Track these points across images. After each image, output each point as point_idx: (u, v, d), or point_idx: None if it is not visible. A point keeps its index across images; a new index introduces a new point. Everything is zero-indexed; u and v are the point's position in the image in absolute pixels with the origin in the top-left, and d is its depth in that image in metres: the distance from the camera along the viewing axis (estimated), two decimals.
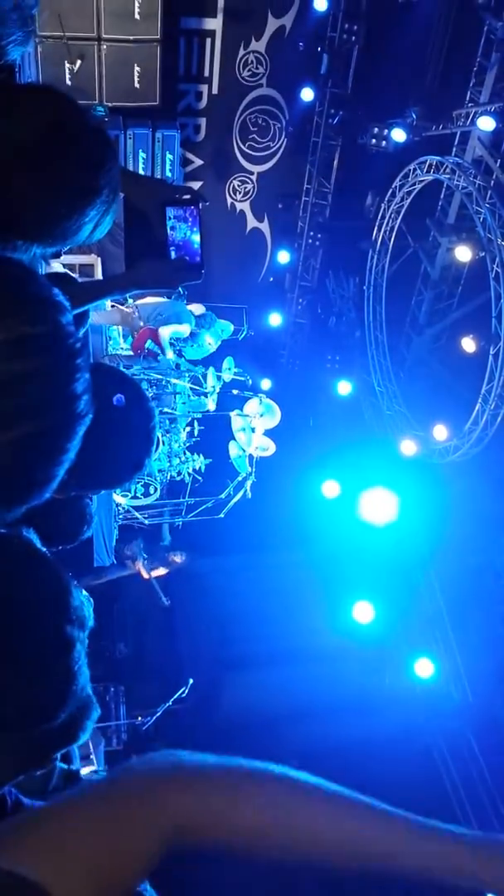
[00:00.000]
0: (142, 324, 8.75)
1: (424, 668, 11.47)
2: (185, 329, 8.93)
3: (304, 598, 12.41)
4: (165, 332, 8.65)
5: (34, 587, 1.29)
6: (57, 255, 1.72)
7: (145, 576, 10.34)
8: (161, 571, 10.55)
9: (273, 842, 0.92)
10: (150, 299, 8.87)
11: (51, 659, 1.26)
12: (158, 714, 10.21)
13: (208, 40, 11.79)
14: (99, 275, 7.72)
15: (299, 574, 12.89)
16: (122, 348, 9.43)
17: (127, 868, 0.90)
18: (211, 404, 9.21)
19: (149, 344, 8.64)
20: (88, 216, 1.57)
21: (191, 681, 10.16)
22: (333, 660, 11.96)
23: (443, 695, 11.86)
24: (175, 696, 10.05)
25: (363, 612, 11.40)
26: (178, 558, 10.50)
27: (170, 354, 8.73)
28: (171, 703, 10.08)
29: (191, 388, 8.95)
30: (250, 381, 9.76)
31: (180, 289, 8.86)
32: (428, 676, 11.49)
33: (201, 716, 11.68)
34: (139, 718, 10.56)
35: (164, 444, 8.84)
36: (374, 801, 0.94)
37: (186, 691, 10.12)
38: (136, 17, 10.45)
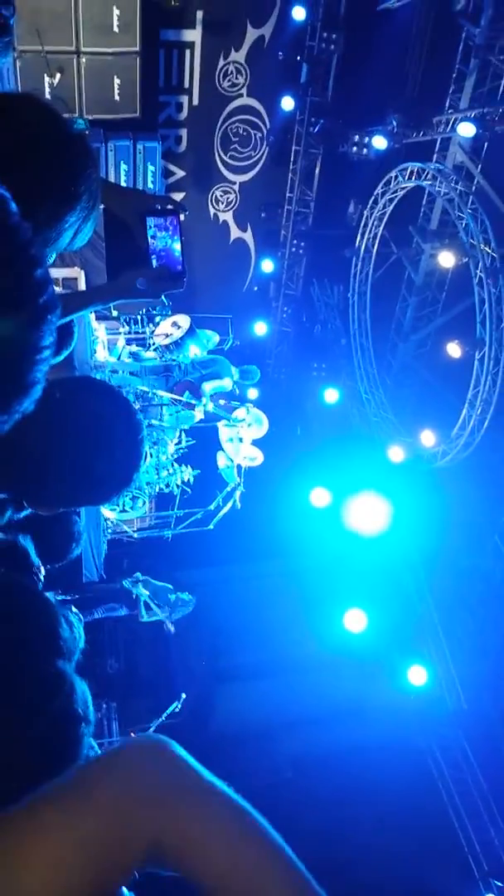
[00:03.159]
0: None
1: (418, 675, 11.44)
2: (227, 383, 9.15)
3: (295, 608, 12.37)
4: (207, 387, 8.94)
5: (22, 624, 1.25)
6: None
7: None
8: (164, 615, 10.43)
9: (228, 890, 0.88)
10: (193, 350, 9.08)
11: (44, 702, 1.20)
12: (152, 730, 10.10)
13: (188, 52, 11.81)
14: (83, 287, 7.69)
15: (290, 584, 12.86)
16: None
17: (112, 873, 0.88)
18: (199, 414, 9.17)
19: (186, 396, 8.77)
20: (68, 222, 1.55)
21: (183, 695, 10.07)
22: (326, 669, 11.92)
23: (436, 701, 11.83)
24: (168, 711, 9.96)
25: (356, 621, 11.36)
26: (184, 596, 10.32)
27: (210, 406, 8.90)
28: (164, 718, 9.98)
29: (177, 402, 8.90)
30: (237, 391, 9.73)
31: (163, 298, 8.85)
32: (421, 684, 11.46)
33: (195, 729, 11.59)
34: (132, 735, 10.46)
35: (151, 456, 8.79)
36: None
37: (179, 706, 10.03)
38: (115, 29, 10.45)
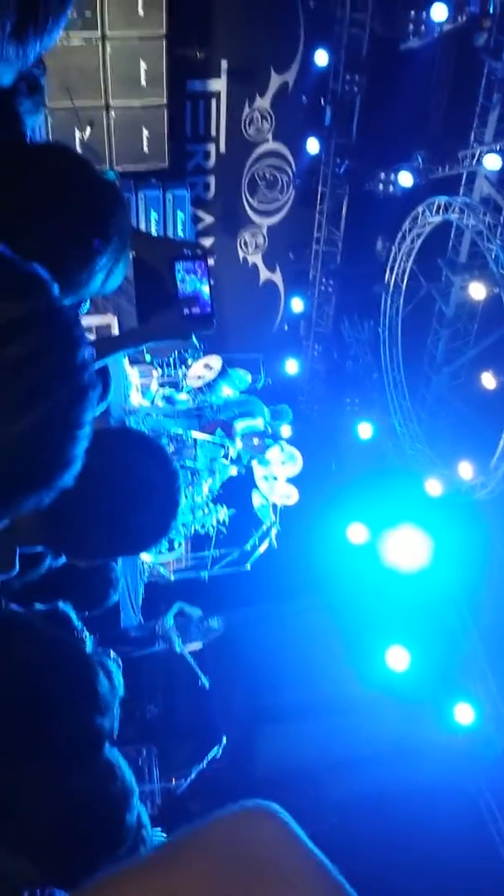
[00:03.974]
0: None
1: (464, 714, 11.16)
2: (259, 423, 9.19)
3: (336, 647, 12.18)
4: (240, 426, 8.95)
5: (62, 682, 1.24)
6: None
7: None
8: (196, 646, 10.26)
9: None
10: (226, 390, 9.13)
11: (83, 760, 1.19)
12: (193, 776, 9.96)
13: (213, 101, 12.10)
14: (116, 333, 7.79)
15: (330, 622, 12.69)
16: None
17: None
18: (231, 453, 9.17)
19: (218, 433, 8.81)
20: (99, 264, 1.60)
21: (224, 739, 9.93)
22: (369, 708, 11.69)
23: (485, 741, 11.51)
24: (209, 756, 9.81)
25: (398, 659, 11.15)
26: (214, 624, 10.18)
27: (238, 445, 8.92)
28: (204, 764, 9.83)
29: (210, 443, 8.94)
30: (270, 430, 9.73)
31: (194, 339, 8.94)
32: (469, 723, 11.16)
33: (238, 774, 11.42)
34: (173, 781, 10.30)
35: (186, 497, 8.79)
36: None
37: (220, 751, 9.88)
38: (143, 83, 10.76)
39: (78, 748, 1.19)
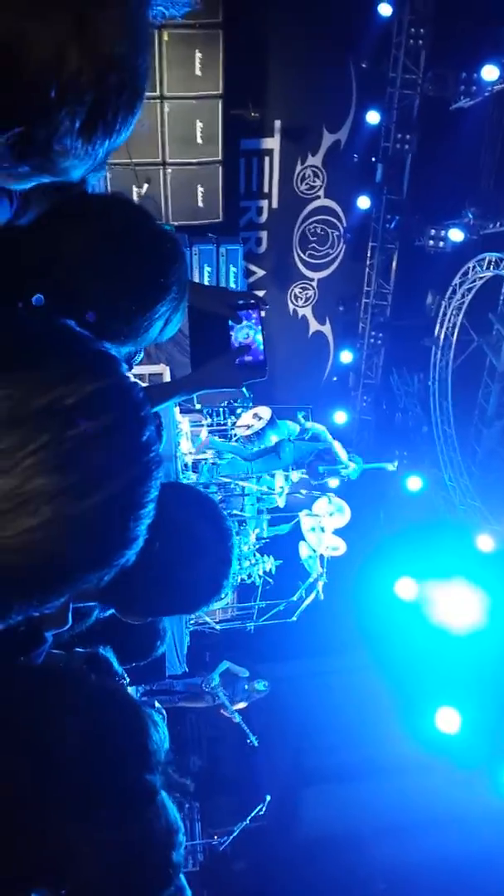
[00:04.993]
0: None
1: None
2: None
3: (383, 705, 11.85)
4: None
5: (113, 735, 1.21)
6: (129, 367, 1.74)
7: (226, 714, 9.94)
8: (242, 705, 10.14)
9: None
10: (274, 440, 9.32)
11: (132, 817, 1.16)
12: (236, 833, 9.71)
13: (267, 158, 12.43)
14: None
15: (377, 679, 12.38)
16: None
17: None
18: (280, 503, 9.16)
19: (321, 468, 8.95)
20: (159, 312, 1.62)
21: (268, 797, 9.67)
22: (418, 771, 11.29)
23: None
24: (252, 814, 9.57)
25: (448, 721, 10.76)
26: (259, 686, 10.07)
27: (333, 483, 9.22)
28: (248, 822, 9.58)
29: (260, 491, 8.93)
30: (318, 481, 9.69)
31: (244, 390, 9.04)
32: None
33: (281, 834, 11.10)
34: (215, 838, 10.06)
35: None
36: None
37: (264, 808, 9.63)
38: (199, 141, 11.14)
39: (128, 807, 1.16)
